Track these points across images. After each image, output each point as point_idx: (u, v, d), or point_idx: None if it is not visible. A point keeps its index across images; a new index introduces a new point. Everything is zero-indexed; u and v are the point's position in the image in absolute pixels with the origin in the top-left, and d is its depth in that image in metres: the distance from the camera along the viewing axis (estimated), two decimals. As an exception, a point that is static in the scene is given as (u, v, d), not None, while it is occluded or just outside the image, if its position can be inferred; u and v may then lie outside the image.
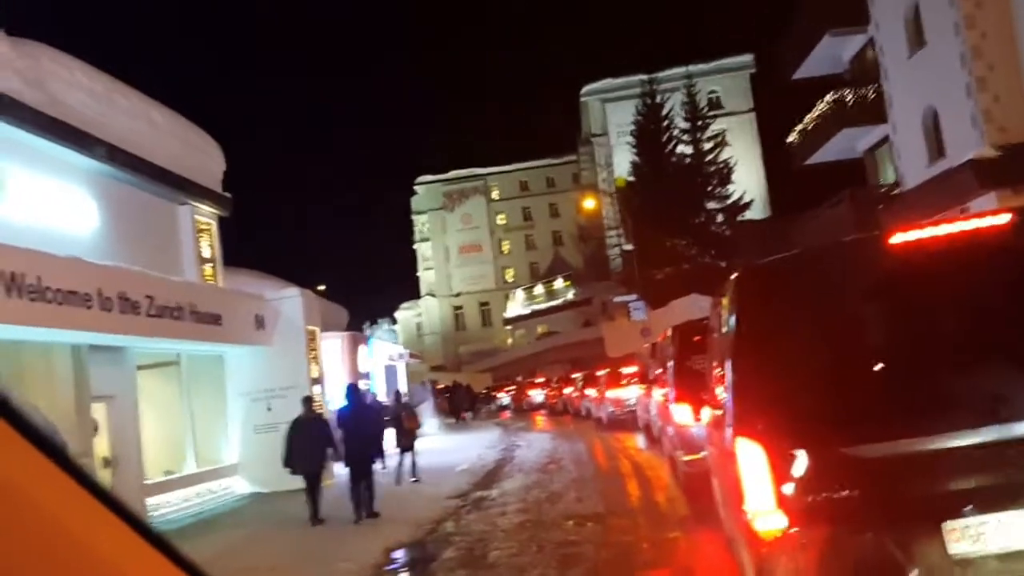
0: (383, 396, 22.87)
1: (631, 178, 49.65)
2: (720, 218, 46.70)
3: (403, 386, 26.70)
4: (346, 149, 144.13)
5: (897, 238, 4.13)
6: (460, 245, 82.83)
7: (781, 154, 31.87)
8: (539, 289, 72.51)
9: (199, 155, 17.02)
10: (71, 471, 0.92)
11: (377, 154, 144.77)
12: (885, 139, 23.93)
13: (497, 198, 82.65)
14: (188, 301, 13.51)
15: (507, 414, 48.40)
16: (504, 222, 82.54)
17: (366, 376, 22.31)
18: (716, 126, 50.19)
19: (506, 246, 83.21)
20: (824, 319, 4.11)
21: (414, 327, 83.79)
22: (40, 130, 11.99)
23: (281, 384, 16.20)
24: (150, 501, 12.93)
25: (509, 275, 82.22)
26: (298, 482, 12.03)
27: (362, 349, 22.57)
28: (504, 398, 55.74)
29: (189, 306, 13.50)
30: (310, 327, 17.33)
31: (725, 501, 5.02)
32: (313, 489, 11.84)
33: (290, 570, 8.93)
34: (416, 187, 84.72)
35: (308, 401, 12.67)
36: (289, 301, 17.13)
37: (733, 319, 4.28)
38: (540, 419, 39.91)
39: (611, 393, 25.65)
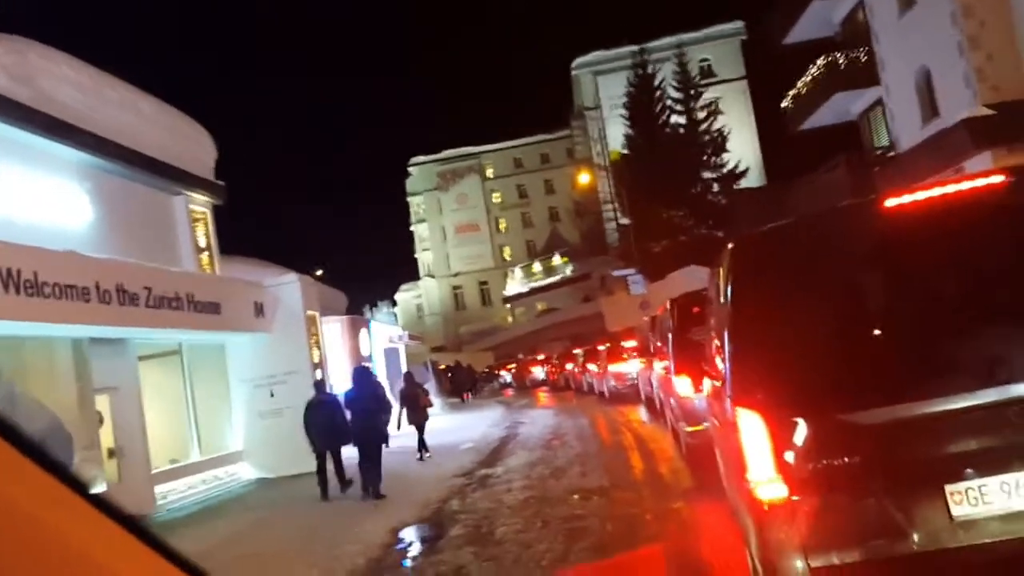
0: (383, 378, 22.89)
1: (625, 151, 49.44)
2: (716, 187, 46.43)
3: (404, 367, 26.74)
4: (346, 149, 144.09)
5: (891, 202, 4.11)
6: (456, 225, 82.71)
7: (775, 121, 31.67)
8: (537, 266, 72.52)
9: (190, 144, 16.98)
10: (66, 480, 0.92)
11: (377, 154, 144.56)
12: (879, 101, 23.81)
13: (492, 176, 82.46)
14: (186, 291, 13.53)
15: (510, 392, 48.59)
16: (500, 200, 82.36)
17: (368, 359, 22.34)
18: (709, 95, 49.97)
19: (503, 224, 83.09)
20: (820, 286, 4.10)
21: (414, 309, 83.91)
22: (30, 125, 11.96)
23: (283, 370, 16.28)
24: (157, 490, 13.02)
25: (507, 253, 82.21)
26: (303, 466, 12.13)
27: (363, 333, 22.58)
28: (506, 376, 55.97)
29: (188, 296, 13.52)
30: (310, 312, 17.34)
31: (727, 471, 5.04)
32: (325, 469, 12.31)
33: (296, 554, 8.97)
34: (410, 168, 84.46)
35: (320, 384, 13.49)
36: (287, 287, 17.14)
37: (729, 290, 4.28)
38: (543, 395, 40.06)
39: (613, 367, 25.74)
